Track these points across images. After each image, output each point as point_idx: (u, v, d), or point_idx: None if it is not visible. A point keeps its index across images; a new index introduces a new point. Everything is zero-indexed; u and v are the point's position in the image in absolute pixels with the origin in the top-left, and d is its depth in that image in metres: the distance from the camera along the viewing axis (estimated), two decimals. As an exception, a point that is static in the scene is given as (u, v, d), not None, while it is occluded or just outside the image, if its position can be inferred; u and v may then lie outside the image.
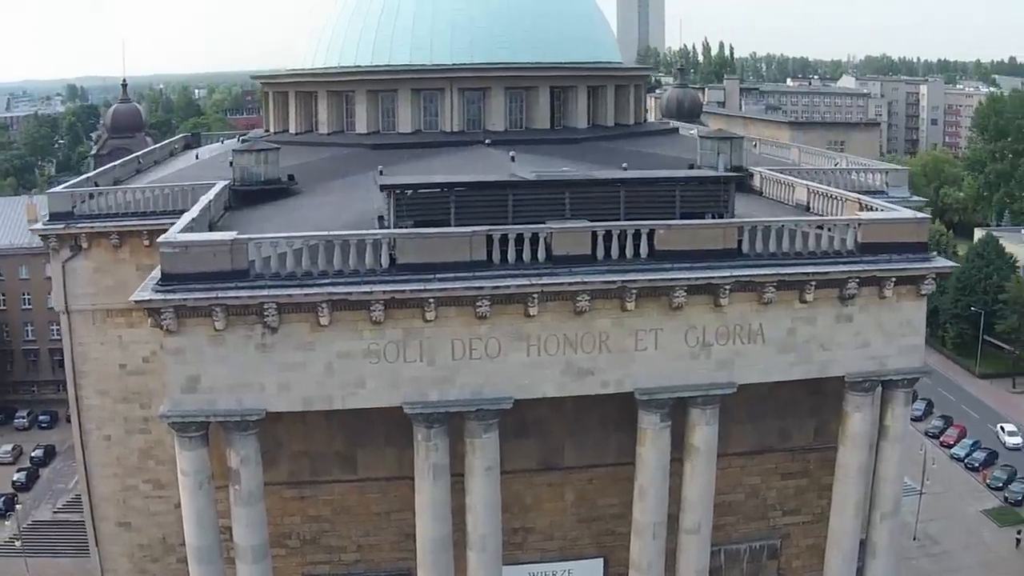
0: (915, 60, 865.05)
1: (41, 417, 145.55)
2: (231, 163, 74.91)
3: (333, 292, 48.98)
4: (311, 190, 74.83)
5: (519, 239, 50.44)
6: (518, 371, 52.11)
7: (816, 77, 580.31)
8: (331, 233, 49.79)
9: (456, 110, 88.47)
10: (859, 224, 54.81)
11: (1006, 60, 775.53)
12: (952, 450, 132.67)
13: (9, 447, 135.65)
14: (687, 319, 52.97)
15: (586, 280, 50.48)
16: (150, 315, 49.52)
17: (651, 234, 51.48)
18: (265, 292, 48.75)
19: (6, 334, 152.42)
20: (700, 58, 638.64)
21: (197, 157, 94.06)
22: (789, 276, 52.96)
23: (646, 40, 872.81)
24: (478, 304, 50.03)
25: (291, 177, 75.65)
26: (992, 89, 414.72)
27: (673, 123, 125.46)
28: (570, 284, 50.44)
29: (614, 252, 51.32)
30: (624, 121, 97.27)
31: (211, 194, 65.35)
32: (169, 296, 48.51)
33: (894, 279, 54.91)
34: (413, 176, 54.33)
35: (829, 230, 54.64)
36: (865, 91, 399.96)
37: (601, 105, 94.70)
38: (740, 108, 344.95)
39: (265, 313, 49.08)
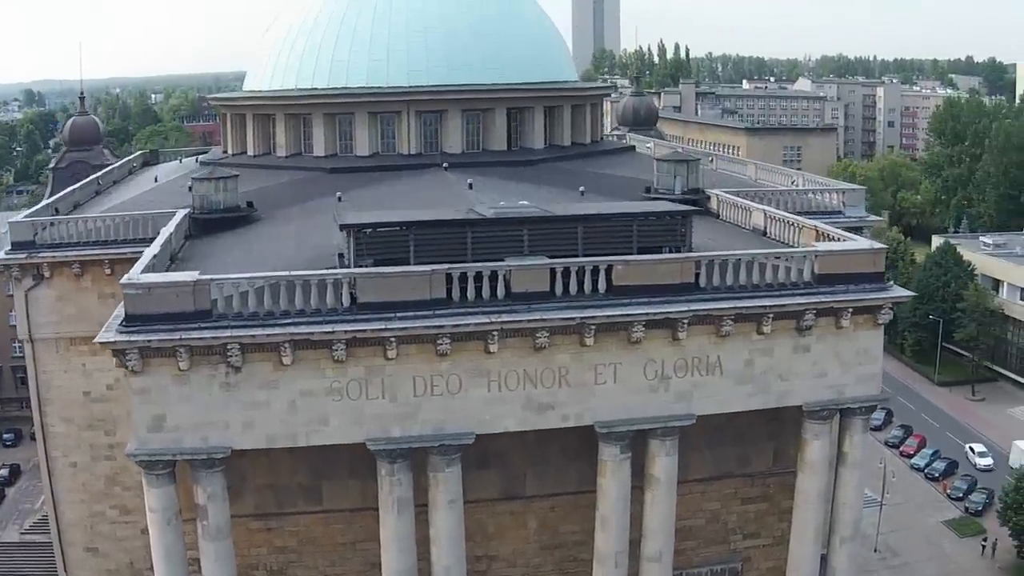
0: (871, 59, 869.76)
1: (5, 435, 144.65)
2: (190, 188, 75.31)
3: (295, 332, 49.37)
4: (271, 217, 75.32)
5: (478, 276, 50.94)
6: (479, 407, 52.64)
7: (772, 79, 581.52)
8: (292, 273, 50.14)
9: (413, 133, 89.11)
10: (816, 256, 55.48)
11: (963, 58, 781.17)
12: (912, 460, 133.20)
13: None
14: (646, 352, 53.56)
15: (545, 317, 51.02)
16: (115, 355, 49.73)
17: (609, 269, 52.05)
18: (228, 333, 49.08)
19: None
20: (656, 59, 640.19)
21: (156, 180, 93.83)
22: (746, 309, 53.65)
23: (601, 42, 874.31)
24: (439, 342, 50.53)
25: (250, 204, 76.26)
26: (949, 91, 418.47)
27: (630, 137, 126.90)
28: (529, 321, 50.97)
29: (572, 288, 51.89)
30: (581, 140, 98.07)
31: (171, 226, 65.73)
32: (133, 337, 48.78)
33: (851, 309, 55.72)
34: (372, 214, 54.48)
35: (786, 261, 55.17)
36: (821, 94, 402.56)
37: (557, 125, 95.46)
38: (696, 113, 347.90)
39: (228, 353, 49.43)
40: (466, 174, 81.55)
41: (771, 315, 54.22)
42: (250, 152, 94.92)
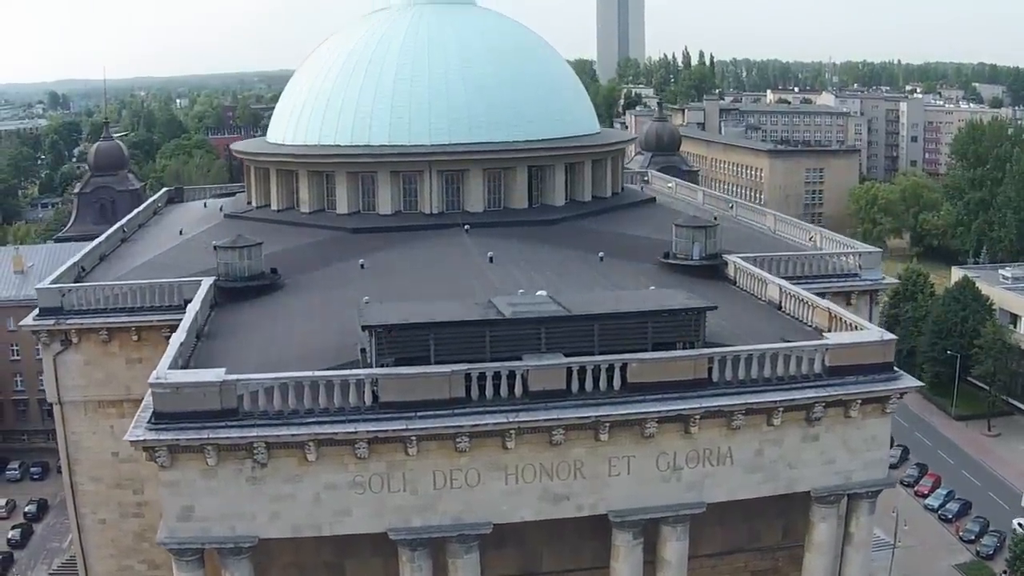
0: (895, 63, 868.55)
1: (33, 469, 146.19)
2: (215, 247, 76.85)
3: (319, 432, 50.92)
4: (294, 284, 76.92)
5: (496, 375, 52.44)
6: (497, 498, 54.19)
7: (796, 89, 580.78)
8: (316, 374, 51.60)
9: (435, 192, 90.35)
10: (827, 349, 56.74)
11: (987, 62, 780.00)
12: (926, 500, 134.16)
13: (2, 502, 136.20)
14: (658, 445, 55.01)
15: (561, 416, 52.53)
16: (145, 451, 51.34)
17: (624, 367, 53.50)
18: (254, 432, 50.71)
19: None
20: (680, 66, 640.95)
21: (181, 232, 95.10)
22: (758, 404, 55.02)
23: (626, 50, 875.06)
24: (458, 440, 52.10)
25: (274, 270, 77.66)
26: (972, 106, 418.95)
27: (651, 175, 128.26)
28: (545, 420, 52.45)
29: (588, 385, 53.34)
30: (601, 193, 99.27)
31: (197, 302, 67.65)
32: (162, 436, 50.45)
33: (860, 400, 57.00)
34: (394, 310, 55.82)
35: (798, 354, 56.45)
36: (845, 109, 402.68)
37: (578, 180, 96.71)
38: (720, 130, 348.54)
39: (255, 450, 51.09)
40: (487, 237, 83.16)
41: (781, 408, 55.59)
42: (274, 206, 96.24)
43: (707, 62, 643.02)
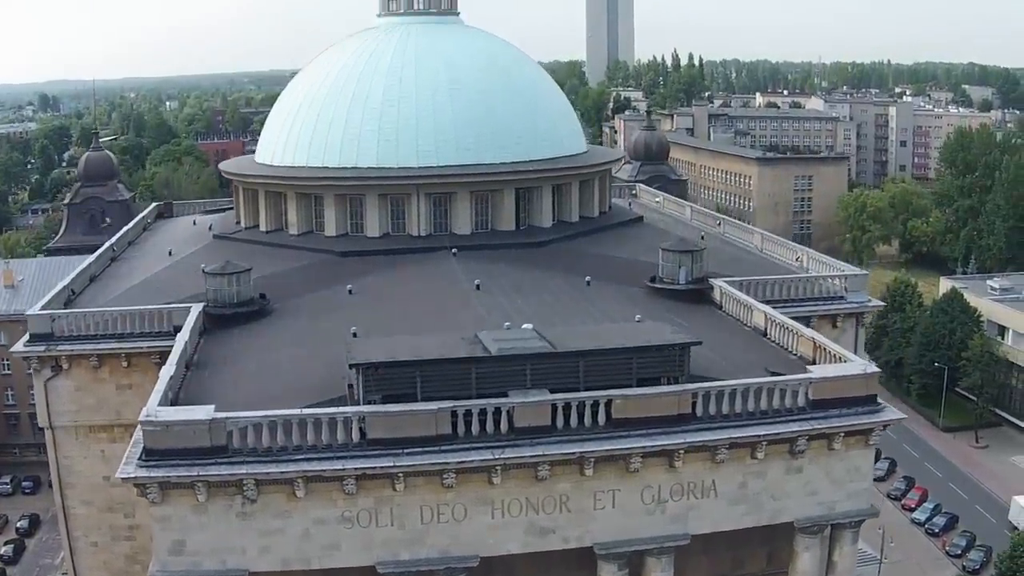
0: (885, 63, 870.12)
1: (24, 483, 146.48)
2: (204, 273, 77.34)
3: (307, 469, 51.46)
4: (283, 309, 77.40)
5: (483, 411, 52.99)
6: (483, 532, 54.78)
7: (785, 92, 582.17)
8: (304, 412, 52.09)
9: (423, 215, 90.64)
10: (810, 383, 57.31)
11: (976, 61, 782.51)
12: (913, 514, 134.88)
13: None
14: (643, 479, 55.59)
15: (546, 452, 53.10)
16: (136, 487, 51.87)
17: (609, 403, 54.08)
18: (243, 470, 51.24)
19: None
20: (670, 68, 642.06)
21: (170, 253, 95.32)
22: (741, 439, 55.60)
23: (616, 52, 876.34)
24: (444, 476, 52.67)
25: (263, 296, 78.14)
26: (962, 111, 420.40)
27: (640, 188, 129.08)
28: (531, 456, 53.04)
29: (573, 421, 53.93)
30: (589, 213, 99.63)
31: (185, 332, 68.13)
32: (153, 473, 51.03)
33: (843, 432, 57.61)
34: (381, 347, 56.35)
35: (781, 386, 57.03)
36: (834, 114, 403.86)
37: (566, 201, 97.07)
38: (709, 136, 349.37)
39: (244, 487, 51.66)
40: (475, 261, 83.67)
41: (765, 442, 56.20)
42: (262, 227, 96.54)
43: (697, 64, 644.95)
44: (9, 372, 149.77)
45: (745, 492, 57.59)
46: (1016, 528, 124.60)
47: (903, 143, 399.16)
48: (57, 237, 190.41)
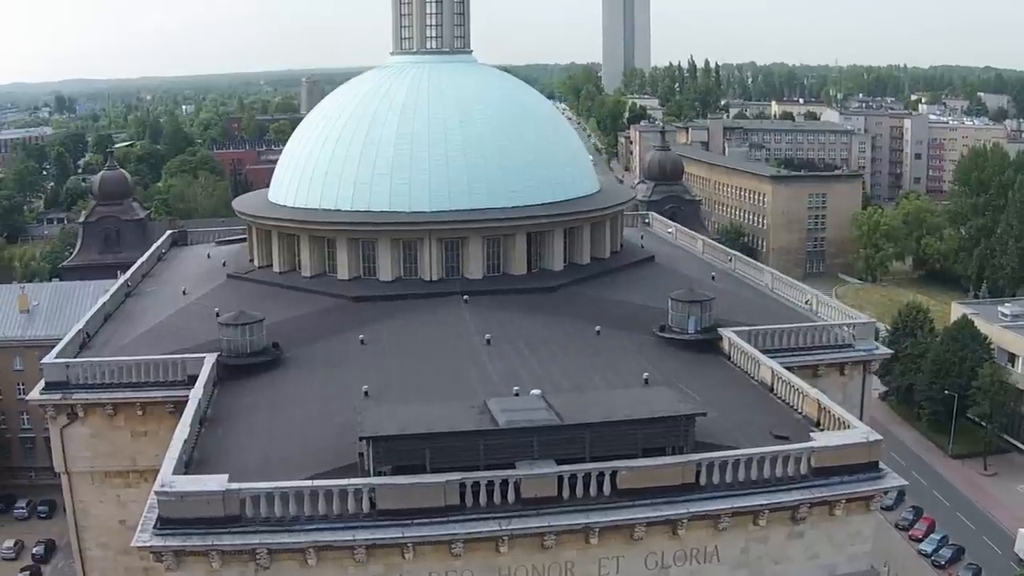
0: (901, 67, 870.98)
1: (40, 507, 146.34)
2: (219, 324, 78.51)
3: (318, 539, 52.69)
4: (296, 359, 78.68)
5: (490, 483, 54.07)
6: (491, 598, 55.89)
7: (801, 100, 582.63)
8: (315, 483, 53.26)
9: (435, 259, 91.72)
10: (812, 451, 58.23)
11: (992, 65, 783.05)
12: (920, 545, 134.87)
13: (11, 543, 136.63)
14: (647, 546, 56.68)
15: (553, 524, 54.25)
16: (152, 554, 53.05)
17: (614, 474, 55.11)
18: (257, 539, 52.51)
19: (3, 423, 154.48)
20: (686, 74, 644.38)
21: (184, 292, 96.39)
22: (745, 508, 56.62)
23: (632, 54, 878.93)
24: (452, 546, 53.79)
25: (276, 345, 79.27)
26: (977, 123, 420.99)
27: (652, 217, 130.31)
28: (537, 527, 54.17)
29: (579, 491, 54.99)
30: (600, 254, 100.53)
31: (199, 388, 69.36)
32: (168, 542, 52.40)
33: (845, 499, 58.56)
34: (391, 416, 57.42)
35: (784, 458, 57.98)
36: (849, 127, 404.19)
37: (577, 244, 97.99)
38: (724, 150, 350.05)
39: (257, 555, 52.88)
40: (485, 308, 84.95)
41: (768, 510, 57.17)
42: (276, 268, 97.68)
43: (713, 71, 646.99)
44: (23, 396, 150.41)
45: (747, 557, 58.58)
46: (1022, 560, 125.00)
47: (918, 156, 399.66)
48: (72, 256, 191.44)
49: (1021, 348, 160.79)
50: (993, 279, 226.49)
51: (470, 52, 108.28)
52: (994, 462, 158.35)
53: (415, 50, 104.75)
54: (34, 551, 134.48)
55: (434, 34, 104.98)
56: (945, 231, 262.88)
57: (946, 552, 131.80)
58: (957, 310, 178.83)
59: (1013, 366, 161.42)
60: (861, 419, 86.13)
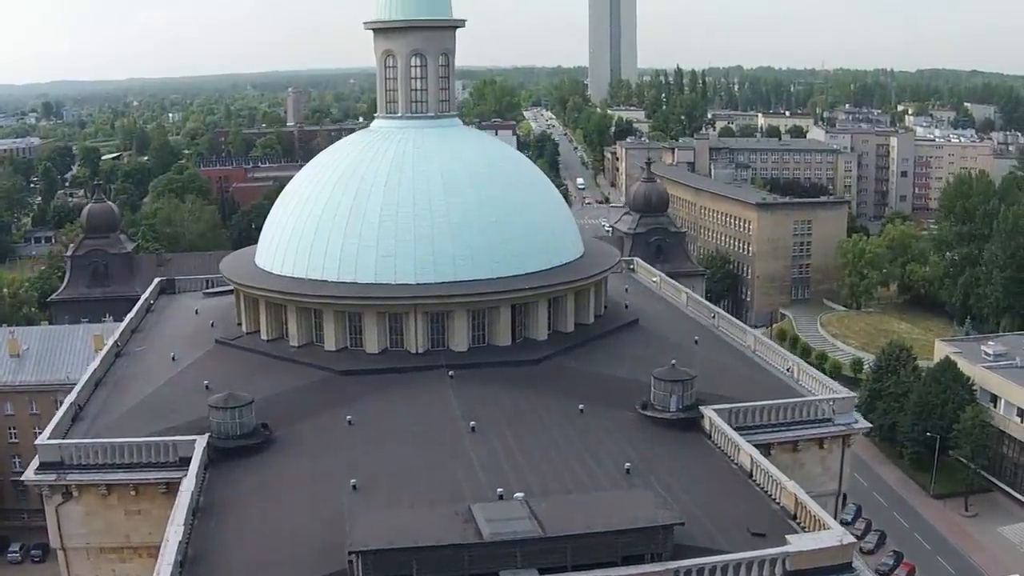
0: (888, 71, 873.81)
1: (33, 551, 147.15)
2: (209, 406, 79.87)
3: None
4: (285, 439, 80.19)
5: (476, 595, 55.61)
6: None
7: (787, 113, 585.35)
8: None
9: (420, 332, 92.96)
10: (787, 556, 59.65)
11: (979, 69, 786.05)
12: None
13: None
14: (626, 650, 58.18)
15: (535, 639, 55.70)
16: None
17: (595, 585, 56.62)
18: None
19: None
20: (671, 84, 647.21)
21: (174, 358, 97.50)
22: (720, 618, 58.10)
23: (618, 59, 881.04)
24: (436, 653, 55.38)
25: (264, 425, 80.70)
26: (963, 137, 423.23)
27: (637, 263, 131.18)
28: (521, 642, 55.65)
29: (561, 601, 56.49)
30: (584, 320, 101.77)
31: (191, 479, 70.66)
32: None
33: (818, 602, 60.11)
34: (378, 529, 58.79)
35: (760, 562, 59.41)
36: (835, 146, 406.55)
37: (561, 312, 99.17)
38: (710, 171, 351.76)
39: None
40: (470, 384, 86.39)
41: (743, 617, 58.73)
42: (263, 335, 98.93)
43: (699, 83, 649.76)
44: (16, 440, 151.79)
45: (724, 656, 60.02)
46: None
47: (904, 174, 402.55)
48: (60, 290, 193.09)
49: (1003, 390, 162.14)
50: (978, 307, 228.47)
51: (454, 116, 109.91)
52: (975, 502, 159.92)
53: (399, 114, 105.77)
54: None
55: (419, 98, 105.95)
56: (930, 258, 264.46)
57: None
58: (940, 349, 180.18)
59: (995, 407, 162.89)
60: (840, 491, 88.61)
